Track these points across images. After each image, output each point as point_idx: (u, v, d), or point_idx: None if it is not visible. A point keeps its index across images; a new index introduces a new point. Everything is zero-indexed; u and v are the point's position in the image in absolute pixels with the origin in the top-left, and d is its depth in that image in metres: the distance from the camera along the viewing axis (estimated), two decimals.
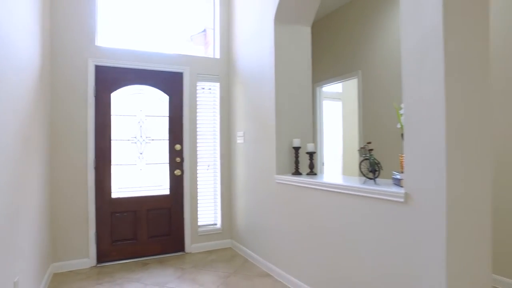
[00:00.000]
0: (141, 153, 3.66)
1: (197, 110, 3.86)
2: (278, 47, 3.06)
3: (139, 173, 3.66)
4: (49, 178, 3.15)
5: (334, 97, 6.18)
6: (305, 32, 3.20)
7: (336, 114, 6.27)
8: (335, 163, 6.26)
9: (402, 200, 1.82)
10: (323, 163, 4.81)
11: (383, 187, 1.96)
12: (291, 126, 3.10)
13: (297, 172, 2.96)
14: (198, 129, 3.86)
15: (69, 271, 3.24)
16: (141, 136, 3.67)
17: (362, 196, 2.09)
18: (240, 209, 3.77)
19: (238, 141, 3.76)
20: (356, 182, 2.28)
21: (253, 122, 3.45)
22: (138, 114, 3.66)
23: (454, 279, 1.63)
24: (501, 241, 2.80)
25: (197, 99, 3.86)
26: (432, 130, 1.68)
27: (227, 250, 3.88)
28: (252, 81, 3.48)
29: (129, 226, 3.56)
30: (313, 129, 4.84)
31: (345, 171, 5.65)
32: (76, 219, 3.29)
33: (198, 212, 3.87)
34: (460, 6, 1.69)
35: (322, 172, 4.78)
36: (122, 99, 3.59)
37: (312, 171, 2.90)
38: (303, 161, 3.04)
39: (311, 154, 2.91)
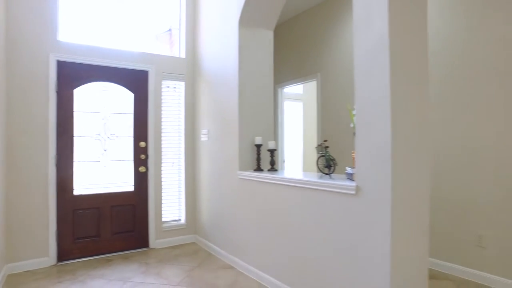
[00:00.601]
0: (105, 150, 3.57)
1: (162, 108, 3.82)
2: (242, 49, 3.12)
3: (103, 170, 3.57)
4: (5, 176, 2.99)
5: (295, 98, 6.35)
6: (268, 36, 3.28)
7: (297, 114, 6.47)
8: (296, 160, 6.46)
9: (353, 192, 1.94)
10: (284, 160, 4.94)
11: (337, 181, 2.09)
12: (253, 125, 3.18)
13: (258, 169, 3.03)
14: (163, 127, 3.83)
15: (26, 271, 3.08)
16: (105, 133, 3.57)
17: (318, 189, 2.20)
18: (204, 204, 3.79)
19: (203, 139, 3.78)
20: (312, 177, 2.40)
21: (217, 120, 3.49)
22: (103, 111, 3.56)
23: (396, 262, 1.78)
24: (437, 228, 3.05)
25: (162, 97, 3.82)
26: (379, 129, 1.82)
27: (191, 245, 3.88)
28: (216, 81, 3.51)
29: (92, 223, 3.45)
30: (274, 128, 4.95)
31: (305, 168, 5.83)
32: (35, 217, 3.14)
33: (163, 208, 3.84)
34: (403, 15, 1.84)
35: (283, 168, 4.90)
36: (86, 96, 3.47)
37: (273, 168, 2.99)
38: (264, 158, 3.13)
39: (272, 152, 2.99)
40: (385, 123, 1.78)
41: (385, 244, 1.78)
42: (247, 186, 3.01)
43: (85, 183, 3.46)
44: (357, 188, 1.93)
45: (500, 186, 2.66)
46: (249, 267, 2.96)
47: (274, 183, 2.64)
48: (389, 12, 1.77)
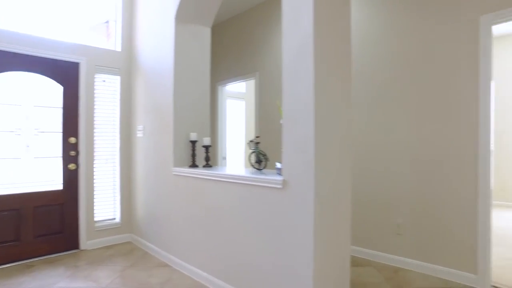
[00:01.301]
0: (28, 146, 3.20)
1: (95, 103, 3.53)
2: (178, 45, 2.99)
3: (25, 167, 3.20)
4: None
5: (238, 96, 6.34)
6: (205, 32, 3.18)
7: (240, 112, 6.47)
8: (238, 156, 6.46)
9: (280, 186, 1.94)
10: (224, 157, 4.87)
11: (266, 176, 2.07)
12: (188, 121, 3.06)
13: (194, 165, 2.93)
14: (96, 122, 3.54)
15: None
16: (28, 128, 3.20)
17: (248, 184, 2.17)
18: (140, 202, 3.58)
19: (138, 135, 3.57)
20: (244, 172, 2.36)
21: (152, 116, 3.31)
22: (25, 104, 3.19)
23: (319, 251, 1.81)
24: (361, 218, 3.21)
25: (95, 91, 3.53)
26: (303, 124, 1.83)
27: (127, 244, 3.66)
28: (152, 76, 3.33)
29: (10, 226, 3.07)
30: (215, 125, 4.87)
31: (247, 164, 5.82)
32: None
33: (95, 207, 3.55)
34: (328, 16, 1.87)
35: (224, 165, 4.84)
36: (3, 86, 3.08)
37: (208, 164, 2.91)
38: (200, 154, 3.03)
39: (207, 148, 2.91)
40: (308, 119, 1.80)
41: (308, 235, 1.80)
42: (181, 182, 2.89)
43: (3, 182, 3.07)
44: (284, 182, 1.93)
45: (414, 178, 2.86)
46: (184, 264, 2.84)
47: (207, 179, 2.57)
48: (314, 12, 1.78)
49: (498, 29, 5.44)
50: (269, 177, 2.01)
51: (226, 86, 4.82)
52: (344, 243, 1.99)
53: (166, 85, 3.07)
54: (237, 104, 6.75)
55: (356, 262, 3.06)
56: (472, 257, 2.55)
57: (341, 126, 1.97)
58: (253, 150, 2.27)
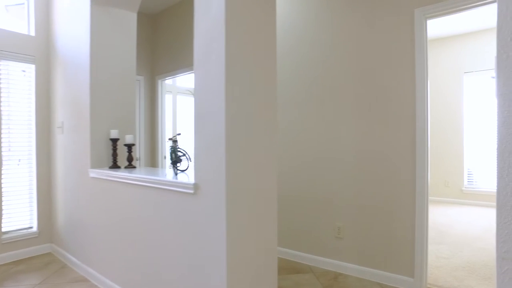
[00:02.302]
0: None
1: (2, 95, 3.03)
2: (95, 30, 2.60)
3: None
4: None
5: (190, 92, 6.01)
6: (130, 18, 2.82)
7: (192, 108, 6.16)
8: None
9: (191, 191, 1.65)
10: (165, 156, 4.51)
11: (178, 179, 1.77)
12: (109, 117, 2.69)
13: (114, 166, 2.57)
14: (4, 117, 3.04)
15: None
16: None
17: (162, 188, 1.86)
18: (60, 208, 3.14)
19: (58, 132, 3.12)
20: (161, 174, 2.05)
21: (71, 110, 2.89)
22: None
23: (234, 263, 1.54)
24: (301, 223, 3.02)
25: (2, 81, 3.03)
26: (214, 122, 1.56)
27: (45, 257, 3.19)
28: (70, 66, 2.90)
29: None
30: (155, 123, 4.48)
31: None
32: None
33: (4, 215, 3.06)
34: (245, 3, 1.61)
35: (163, 165, 4.47)
36: None
37: (130, 164, 2.56)
38: (123, 154, 2.67)
39: (129, 147, 2.55)
40: (219, 116, 1.53)
41: (220, 247, 1.53)
42: (98, 186, 2.52)
43: None
44: (196, 187, 1.65)
45: (354, 178, 2.70)
46: (104, 279, 2.47)
47: (121, 182, 2.22)
48: None
49: (432, 31, 5.55)
50: (180, 181, 1.72)
51: (166, 80, 4.44)
52: (268, 250, 1.75)
53: (83, 76, 2.67)
54: (188, 100, 6.40)
55: (295, 269, 2.86)
56: (410, 260, 2.42)
57: (264, 124, 1.72)
58: (171, 149, 1.96)
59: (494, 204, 5.57)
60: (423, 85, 2.36)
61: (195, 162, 1.66)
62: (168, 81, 4.53)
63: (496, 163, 0.89)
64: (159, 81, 4.41)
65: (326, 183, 2.86)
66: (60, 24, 3.10)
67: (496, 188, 0.88)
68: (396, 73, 2.49)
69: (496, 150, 0.88)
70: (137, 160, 4.36)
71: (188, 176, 1.84)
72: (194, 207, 1.66)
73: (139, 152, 4.42)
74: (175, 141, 2.00)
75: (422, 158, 2.36)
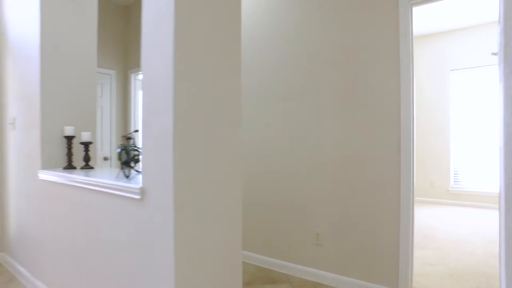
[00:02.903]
0: None
1: None
2: (46, 15, 2.31)
3: None
4: None
5: None
6: (89, 3, 2.54)
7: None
8: None
9: (138, 197, 1.40)
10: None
11: (123, 182, 1.51)
12: (64, 112, 2.40)
13: (70, 166, 2.29)
14: None
15: None
16: None
17: (109, 193, 1.60)
18: (12, 214, 2.83)
19: (9, 129, 2.81)
20: (110, 177, 1.78)
21: (24, 105, 2.58)
22: None
23: (182, 272, 1.30)
24: (278, 229, 2.79)
25: None
26: (162, 116, 1.31)
27: None
28: (21, 55, 2.60)
29: None
30: (128, 120, 4.19)
31: None
32: None
33: None
34: None
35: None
36: None
37: (87, 165, 2.28)
38: (80, 153, 2.39)
39: (86, 145, 2.28)
40: (167, 108, 1.28)
41: (168, 265, 1.28)
42: (47, 188, 2.23)
43: None
44: (143, 191, 1.39)
45: (334, 181, 2.48)
46: None
47: (70, 185, 1.95)
48: None
49: (417, 27, 5.40)
50: (125, 185, 1.46)
51: (140, 75, 4.16)
52: (231, 264, 1.51)
53: (34, 66, 2.38)
54: None
55: (271, 278, 2.62)
56: (394, 269, 2.22)
57: (226, 122, 1.48)
58: (122, 148, 1.69)
59: (481, 204, 5.48)
60: (409, 79, 2.16)
61: (142, 164, 1.41)
62: (142, 76, 4.25)
63: (501, 164, 0.70)
64: (132, 76, 4.12)
65: (305, 187, 2.63)
66: (10, 9, 2.79)
67: (501, 190, 0.69)
68: (379, 68, 2.27)
69: (501, 151, 0.68)
70: (106, 159, 4.06)
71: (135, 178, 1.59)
72: (142, 215, 1.41)
73: (110, 151, 4.12)
74: (128, 139, 1.74)
75: (407, 159, 2.16)
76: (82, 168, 2.27)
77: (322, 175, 2.53)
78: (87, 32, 2.52)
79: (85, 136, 2.28)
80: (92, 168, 2.29)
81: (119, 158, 1.65)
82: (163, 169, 1.30)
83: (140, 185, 1.40)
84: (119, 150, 1.66)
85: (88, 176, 1.80)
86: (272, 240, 2.83)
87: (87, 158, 2.29)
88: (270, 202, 2.84)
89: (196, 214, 1.34)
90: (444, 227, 4.03)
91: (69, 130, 2.31)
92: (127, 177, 1.67)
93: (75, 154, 2.37)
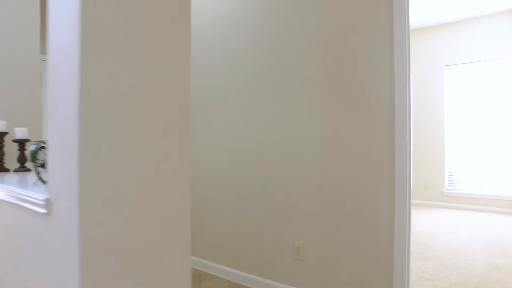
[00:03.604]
0: None
1: None
2: None
3: None
4: None
5: None
6: None
7: None
8: None
9: (44, 210, 1.03)
10: None
11: (30, 191, 1.14)
12: None
13: (1, 168, 1.90)
14: None
15: None
16: None
17: (13, 203, 1.22)
18: None
19: None
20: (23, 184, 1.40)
21: None
22: None
23: None
24: (254, 241, 2.43)
25: None
26: (66, 105, 0.94)
27: None
28: None
29: None
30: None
31: None
32: None
33: None
34: None
35: None
36: None
37: (23, 166, 1.90)
38: (13, 153, 2.01)
39: (21, 143, 1.89)
40: (72, 101, 0.91)
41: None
42: None
43: None
44: (48, 203, 1.02)
45: (318, 186, 2.13)
46: None
47: None
48: None
49: (410, 21, 5.11)
50: (32, 194, 1.09)
51: None
52: (184, 264, 1.15)
53: None
54: None
55: None
56: (388, 285, 1.87)
57: (165, 117, 1.12)
58: (37, 145, 1.32)
59: (476, 207, 5.19)
60: (404, 69, 1.82)
61: (48, 164, 1.04)
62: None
63: None
64: None
65: (284, 193, 2.27)
66: None
67: None
68: (370, 58, 1.93)
69: None
70: None
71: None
72: (48, 233, 1.03)
73: None
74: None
75: (403, 160, 1.82)
76: (16, 170, 1.89)
77: (304, 178, 2.18)
78: (27, 11, 2.13)
79: (20, 133, 1.90)
80: (28, 170, 1.91)
81: (32, 159, 1.27)
82: (70, 176, 0.93)
83: (44, 196, 1.03)
84: (33, 147, 1.28)
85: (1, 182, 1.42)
86: (247, 253, 2.47)
87: (22, 159, 1.91)
88: (244, 210, 2.48)
89: (118, 240, 0.98)
90: (440, 234, 3.71)
91: None
92: (45, 182, 1.29)
93: (8, 154, 1.98)
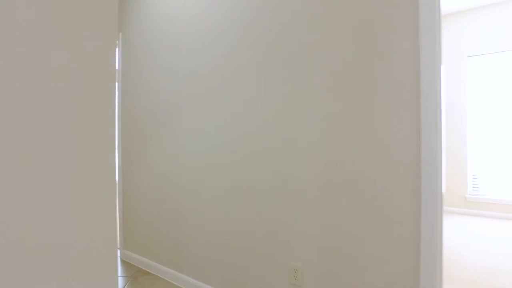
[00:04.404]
0: None
1: None
2: None
3: None
4: None
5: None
6: None
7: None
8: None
9: None
10: None
11: None
12: None
13: None
14: None
15: None
16: None
17: None
18: None
19: None
20: None
21: None
22: None
23: None
24: (240, 259, 1.98)
25: None
26: None
27: None
28: None
29: None
30: None
31: None
32: None
33: None
34: None
35: None
36: None
37: None
38: None
39: None
40: None
41: None
42: None
43: None
44: None
45: (320, 197, 1.67)
46: None
47: None
48: None
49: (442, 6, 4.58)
50: None
51: None
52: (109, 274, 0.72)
53: None
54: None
55: None
56: None
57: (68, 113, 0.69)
58: None
59: (502, 215, 4.62)
60: (433, 58, 1.35)
61: None
62: None
63: None
64: None
65: (279, 205, 1.82)
66: None
67: None
68: (390, 32, 1.47)
69: None
70: None
71: None
72: None
73: None
74: None
75: (432, 163, 1.35)
76: None
77: (302, 187, 1.72)
78: None
79: None
80: None
81: None
82: None
83: None
84: None
85: None
86: (237, 274, 2.03)
87: None
88: (234, 226, 2.04)
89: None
90: (468, 248, 3.18)
91: None
92: None
93: None
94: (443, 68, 4.81)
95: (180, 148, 2.38)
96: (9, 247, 0.63)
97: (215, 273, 2.14)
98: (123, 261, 2.84)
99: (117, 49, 2.93)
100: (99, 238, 0.79)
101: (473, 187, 4.75)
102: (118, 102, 2.93)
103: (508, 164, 4.51)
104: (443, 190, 4.52)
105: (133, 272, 2.58)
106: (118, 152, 2.91)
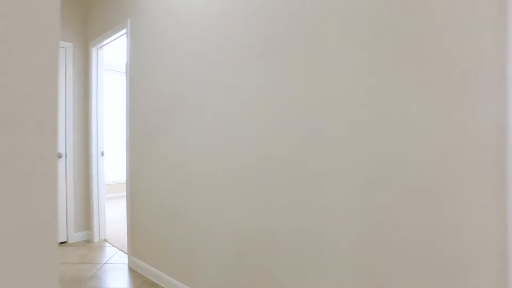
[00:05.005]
0: None
1: None
2: None
3: None
4: None
5: (116, 69, 5.63)
6: None
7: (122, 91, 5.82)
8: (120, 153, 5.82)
9: None
10: (102, 152, 3.27)
11: None
12: None
13: None
14: None
15: None
16: None
17: None
18: None
19: None
20: None
21: None
22: None
23: None
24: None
25: None
26: None
27: None
28: None
29: None
30: (88, 104, 3.23)
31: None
32: None
33: None
34: None
35: (97, 164, 3.21)
36: None
37: None
38: None
39: None
40: None
41: None
42: None
43: None
44: None
45: (356, 212, 1.33)
46: None
47: None
48: None
49: None
50: None
51: (102, 48, 3.16)
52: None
53: None
54: (115, 80, 5.73)
55: None
56: None
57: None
58: None
59: None
60: None
61: None
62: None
63: None
64: (94, 49, 3.14)
65: (306, 216, 1.49)
66: None
67: None
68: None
69: None
70: (60, 157, 3.13)
71: None
72: None
73: (66, 146, 3.17)
74: None
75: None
76: None
77: (334, 204, 1.38)
78: None
79: None
80: None
81: None
82: None
83: None
84: None
85: None
86: None
87: None
88: (252, 238, 1.73)
89: None
90: None
91: None
92: None
93: None
94: None
95: (194, 153, 2.09)
96: None
97: None
98: (130, 269, 2.61)
99: (126, 38, 2.67)
100: (34, 236, 0.50)
101: None
102: (126, 98, 2.69)
103: None
104: None
105: (140, 284, 2.33)
106: (127, 155, 2.68)
